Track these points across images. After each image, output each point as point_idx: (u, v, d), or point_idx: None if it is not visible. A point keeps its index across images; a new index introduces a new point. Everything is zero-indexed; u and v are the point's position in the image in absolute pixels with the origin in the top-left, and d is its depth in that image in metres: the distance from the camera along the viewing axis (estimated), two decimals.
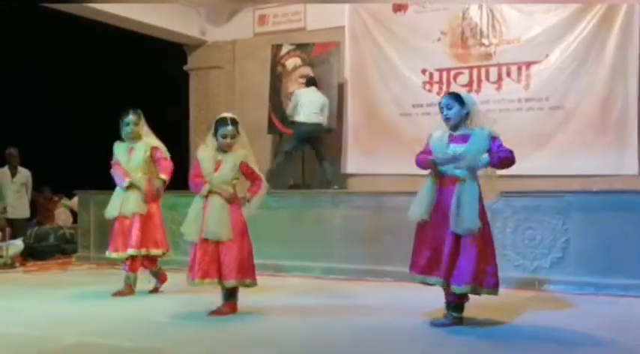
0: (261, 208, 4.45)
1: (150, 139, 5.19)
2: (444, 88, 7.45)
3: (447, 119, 4.02)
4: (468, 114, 4.00)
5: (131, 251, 5.06)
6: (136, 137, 5.17)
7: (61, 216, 9.38)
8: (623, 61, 6.77)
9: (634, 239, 5.11)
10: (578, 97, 6.94)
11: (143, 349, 3.50)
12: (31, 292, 5.50)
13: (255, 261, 4.45)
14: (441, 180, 3.96)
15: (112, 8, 7.75)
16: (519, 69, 7.21)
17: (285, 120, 7.99)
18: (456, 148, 3.93)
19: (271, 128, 8.13)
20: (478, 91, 7.19)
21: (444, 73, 7.60)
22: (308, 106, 7.35)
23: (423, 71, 7.68)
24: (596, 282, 5.16)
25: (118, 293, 5.10)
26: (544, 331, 3.84)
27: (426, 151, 4.08)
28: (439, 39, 7.61)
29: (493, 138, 3.91)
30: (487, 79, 7.38)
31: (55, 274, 6.78)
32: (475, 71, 7.44)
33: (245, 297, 4.41)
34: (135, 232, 5.05)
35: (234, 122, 4.30)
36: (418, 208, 4.01)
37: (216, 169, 4.31)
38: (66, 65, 10.69)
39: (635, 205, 5.18)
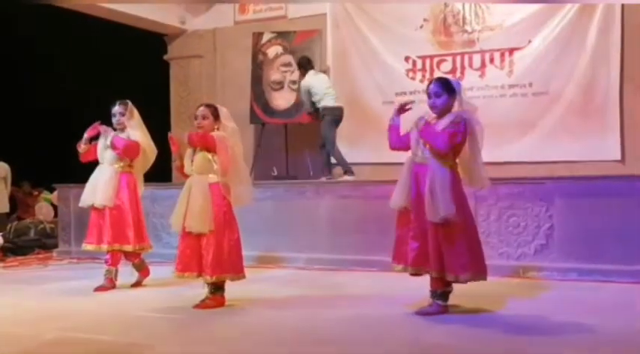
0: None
1: (133, 132, 5.08)
2: (428, 75, 7.40)
3: (433, 107, 3.98)
4: (454, 101, 3.96)
5: (104, 246, 5.03)
6: (122, 128, 5.10)
7: (43, 210, 9.22)
8: (605, 46, 6.76)
9: (616, 225, 5.14)
10: (561, 82, 6.93)
11: (124, 344, 3.45)
12: (11, 288, 5.42)
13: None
14: (416, 165, 3.95)
15: None
16: (502, 55, 7.18)
17: (268, 109, 7.91)
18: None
19: (253, 118, 8.04)
20: (461, 78, 7.14)
21: (427, 61, 7.55)
22: (327, 89, 7.09)
23: (406, 59, 7.63)
24: (580, 268, 5.19)
25: (100, 288, 5.03)
26: (528, 318, 3.84)
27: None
28: (422, 26, 7.55)
29: (456, 123, 3.84)
30: (470, 66, 7.35)
31: (35, 269, 6.70)
32: (458, 58, 7.40)
33: (230, 289, 4.36)
34: (107, 227, 5.00)
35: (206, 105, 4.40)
36: (397, 196, 4.01)
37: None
38: (45, 56, 10.48)
39: (618, 191, 5.20)
